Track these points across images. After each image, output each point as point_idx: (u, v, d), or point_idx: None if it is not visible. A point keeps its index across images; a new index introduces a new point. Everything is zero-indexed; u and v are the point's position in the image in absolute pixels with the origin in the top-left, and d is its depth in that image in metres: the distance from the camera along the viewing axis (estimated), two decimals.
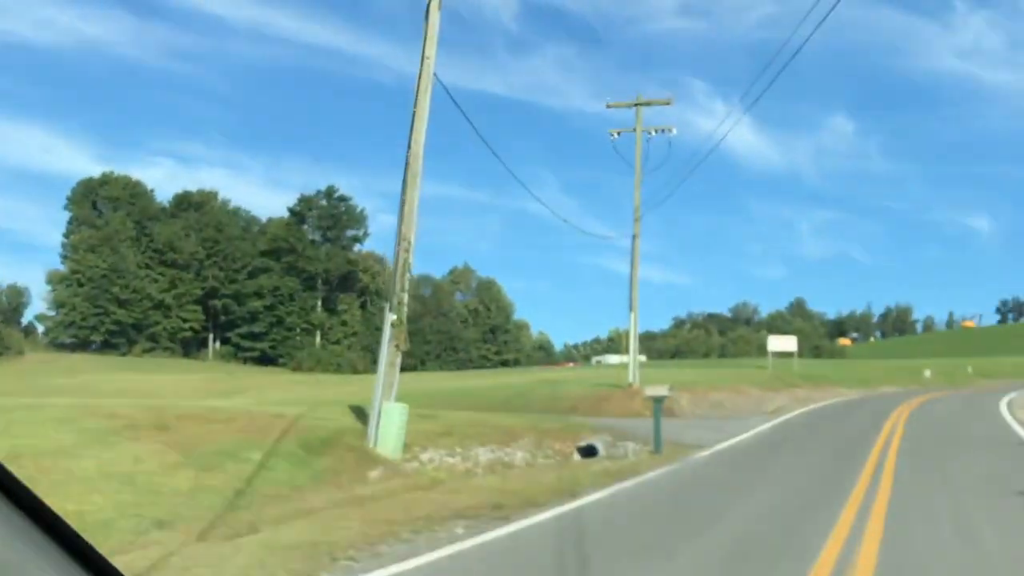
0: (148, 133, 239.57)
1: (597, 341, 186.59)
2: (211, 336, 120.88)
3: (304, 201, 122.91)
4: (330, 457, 15.86)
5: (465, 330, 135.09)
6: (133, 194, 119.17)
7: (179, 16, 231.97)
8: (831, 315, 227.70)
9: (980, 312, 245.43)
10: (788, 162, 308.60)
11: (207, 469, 12.90)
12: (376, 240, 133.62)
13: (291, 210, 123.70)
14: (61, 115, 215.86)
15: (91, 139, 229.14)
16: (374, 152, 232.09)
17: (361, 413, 19.90)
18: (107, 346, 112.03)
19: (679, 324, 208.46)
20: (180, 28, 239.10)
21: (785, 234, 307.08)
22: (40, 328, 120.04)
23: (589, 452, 21.88)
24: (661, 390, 21.63)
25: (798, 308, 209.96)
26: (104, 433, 13.78)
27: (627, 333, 38.10)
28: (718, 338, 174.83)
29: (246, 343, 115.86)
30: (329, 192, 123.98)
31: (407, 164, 18.35)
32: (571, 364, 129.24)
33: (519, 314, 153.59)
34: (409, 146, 18.40)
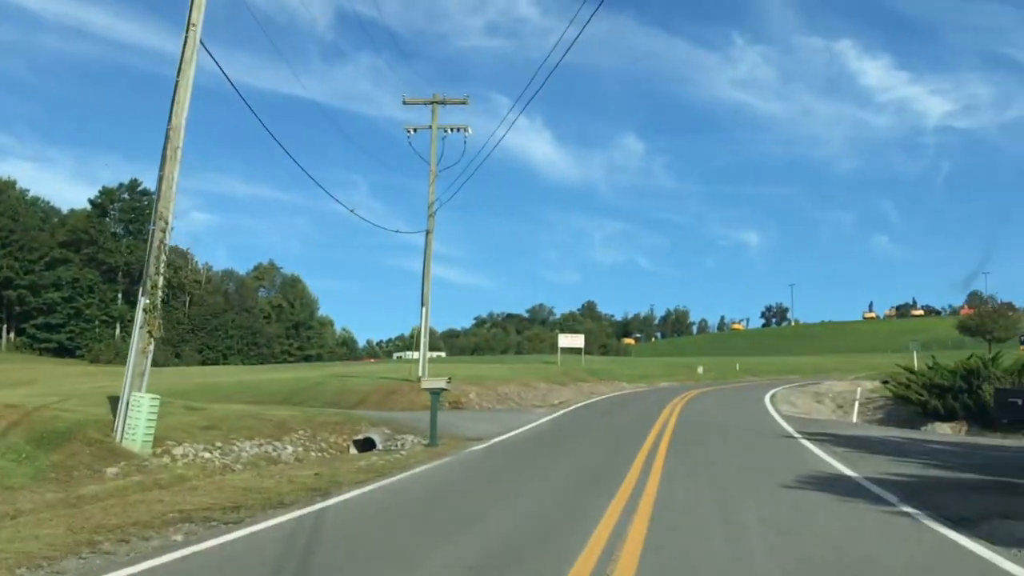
0: None
1: (401, 338, 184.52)
2: (4, 327, 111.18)
3: (106, 194, 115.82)
4: (62, 452, 13.55)
5: (268, 325, 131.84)
6: None
7: None
8: (619, 317, 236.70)
9: (747, 316, 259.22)
10: (584, 176, 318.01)
11: None
12: (187, 236, 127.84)
13: (92, 202, 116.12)
14: None
15: None
16: (188, 150, 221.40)
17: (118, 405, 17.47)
18: None
19: (480, 323, 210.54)
20: None
21: (580, 242, 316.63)
22: None
23: (367, 446, 20.32)
24: (439, 382, 20.26)
25: (589, 310, 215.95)
26: None
27: (423, 329, 36.60)
28: (515, 336, 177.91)
29: (42, 334, 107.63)
30: (132, 185, 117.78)
31: (167, 138, 16.24)
32: (372, 360, 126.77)
33: (325, 311, 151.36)
34: (170, 119, 16.30)
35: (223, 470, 15.12)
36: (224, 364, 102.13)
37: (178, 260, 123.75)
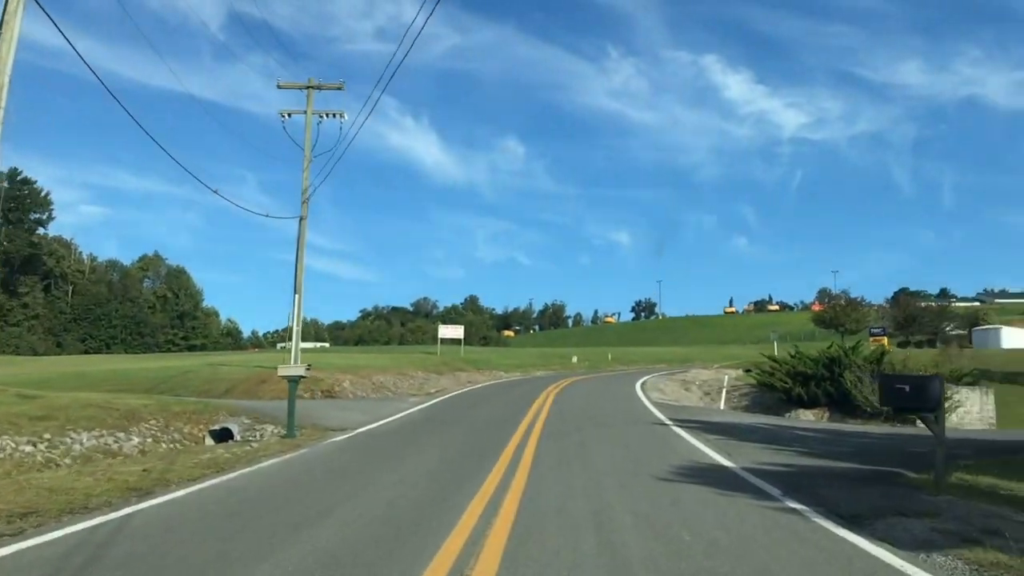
0: None
1: (286, 329, 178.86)
2: None
3: None
4: None
5: (153, 316, 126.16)
6: None
7: None
8: (499, 310, 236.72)
9: (619, 310, 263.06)
10: (468, 177, 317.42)
11: None
12: (76, 228, 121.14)
13: None
14: None
15: None
16: (80, 145, 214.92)
17: None
18: None
19: (366, 316, 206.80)
20: None
21: (464, 240, 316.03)
22: None
23: (224, 436, 18.15)
24: (297, 370, 18.29)
25: (471, 304, 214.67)
26: None
27: (295, 316, 34.23)
28: (399, 328, 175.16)
29: None
30: (12, 174, 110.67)
31: None
32: (256, 350, 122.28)
33: (212, 303, 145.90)
34: None
35: (42, 466, 12.82)
36: (107, 353, 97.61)
37: (60, 250, 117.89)
